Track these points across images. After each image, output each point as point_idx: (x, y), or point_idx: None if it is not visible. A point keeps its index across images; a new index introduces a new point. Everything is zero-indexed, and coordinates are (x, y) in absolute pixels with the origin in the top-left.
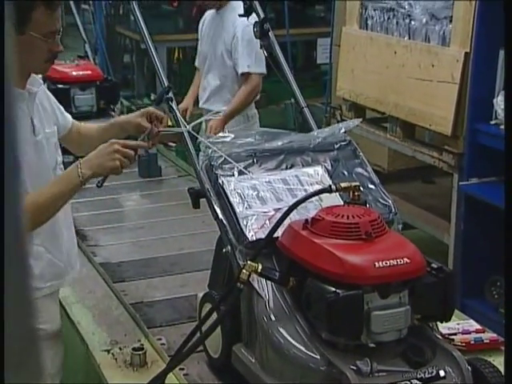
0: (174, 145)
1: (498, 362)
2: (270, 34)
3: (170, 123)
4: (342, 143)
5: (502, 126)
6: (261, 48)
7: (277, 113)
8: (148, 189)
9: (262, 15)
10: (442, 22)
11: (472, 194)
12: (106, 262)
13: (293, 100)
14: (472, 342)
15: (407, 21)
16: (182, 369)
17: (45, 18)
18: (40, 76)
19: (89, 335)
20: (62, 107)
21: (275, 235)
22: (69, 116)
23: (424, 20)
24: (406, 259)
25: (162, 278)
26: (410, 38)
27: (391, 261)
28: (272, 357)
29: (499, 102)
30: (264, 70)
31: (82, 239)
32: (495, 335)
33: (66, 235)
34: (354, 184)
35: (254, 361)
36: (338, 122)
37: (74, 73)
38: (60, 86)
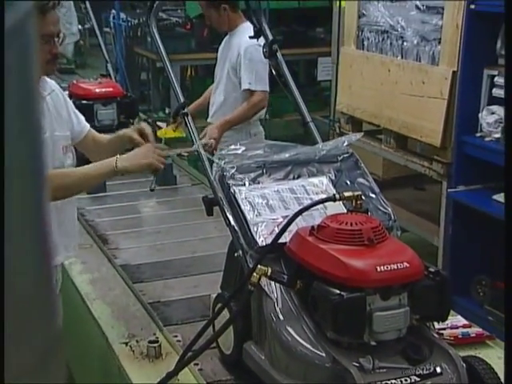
0: (186, 154)
1: (484, 354)
2: (278, 54)
3: (181, 134)
4: (345, 155)
5: (487, 138)
6: (270, 67)
7: (280, 126)
8: (164, 196)
9: (270, 37)
10: (432, 44)
11: (459, 200)
12: (126, 264)
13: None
14: (460, 336)
15: (400, 42)
16: (197, 364)
17: (39, 21)
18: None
19: (108, 328)
20: (80, 115)
21: (283, 241)
22: (86, 124)
23: (415, 41)
24: (405, 263)
25: (177, 279)
26: (402, 58)
27: (392, 265)
28: (280, 354)
29: (484, 116)
30: (266, 88)
31: (104, 243)
32: (481, 330)
33: (69, 214)
34: (356, 193)
35: (263, 358)
36: (338, 134)
37: (97, 90)
38: (84, 101)
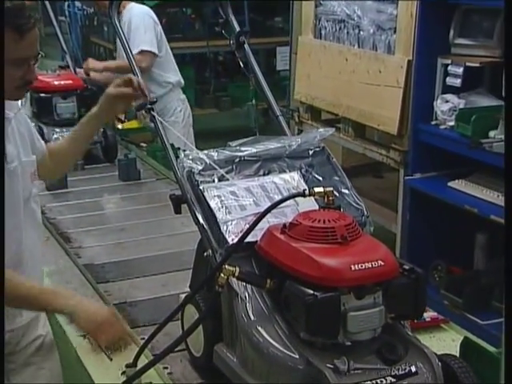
0: (145, 145)
1: (438, 337)
2: (245, 45)
3: (139, 124)
4: (316, 149)
5: (442, 126)
6: (237, 59)
7: (240, 115)
8: (128, 191)
9: (237, 29)
10: (388, 33)
11: (416, 187)
12: (90, 264)
13: (253, 101)
14: (415, 321)
15: (356, 31)
16: (166, 367)
17: (13, 44)
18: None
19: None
20: (37, 134)
21: (254, 239)
22: (43, 143)
23: (371, 30)
24: (380, 261)
25: (144, 278)
26: (359, 47)
27: (366, 264)
28: (252, 356)
29: (438, 104)
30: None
31: (66, 241)
32: (436, 314)
33: (31, 261)
34: (327, 189)
35: (234, 360)
36: (297, 123)
37: (56, 82)
38: (42, 95)
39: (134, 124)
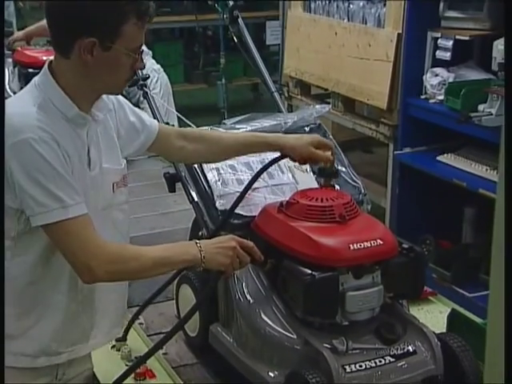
0: None
1: (427, 309)
2: (239, 20)
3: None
4: (313, 126)
5: (431, 100)
6: (230, 34)
7: (230, 91)
8: None
9: (231, 3)
10: (377, 6)
11: (405, 161)
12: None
13: (223, 80)
14: None
15: (346, 4)
16: (161, 348)
17: (135, 31)
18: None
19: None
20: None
21: (250, 214)
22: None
23: (361, 4)
24: (379, 241)
25: None
26: (349, 20)
27: (365, 243)
28: (248, 336)
29: (428, 78)
30: None
31: None
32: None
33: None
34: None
35: (231, 340)
36: (286, 98)
37: (44, 57)
38: (30, 70)
39: None
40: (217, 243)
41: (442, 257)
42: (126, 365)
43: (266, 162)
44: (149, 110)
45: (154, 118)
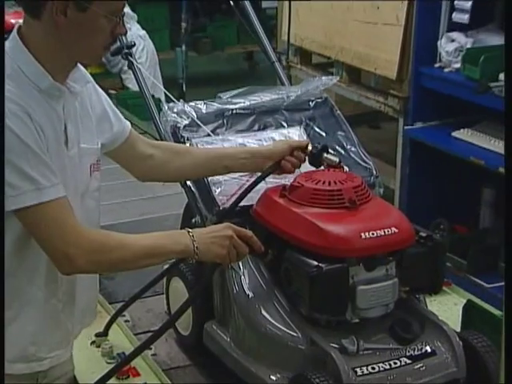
0: (114, 92)
1: (440, 300)
2: None
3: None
4: (318, 100)
5: (446, 69)
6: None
7: (222, 59)
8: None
9: None
10: None
11: (417, 137)
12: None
13: (183, 47)
14: None
15: None
16: (150, 348)
17: None
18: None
19: None
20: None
21: (249, 203)
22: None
23: None
24: (393, 228)
25: None
26: None
27: (378, 231)
28: (248, 335)
29: (443, 44)
30: None
31: None
32: None
33: (87, 284)
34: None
35: (227, 339)
36: (284, 68)
37: (13, 20)
38: None
39: (96, 69)
40: (211, 232)
41: (458, 243)
42: (107, 362)
43: (264, 143)
44: (133, 81)
45: (140, 92)
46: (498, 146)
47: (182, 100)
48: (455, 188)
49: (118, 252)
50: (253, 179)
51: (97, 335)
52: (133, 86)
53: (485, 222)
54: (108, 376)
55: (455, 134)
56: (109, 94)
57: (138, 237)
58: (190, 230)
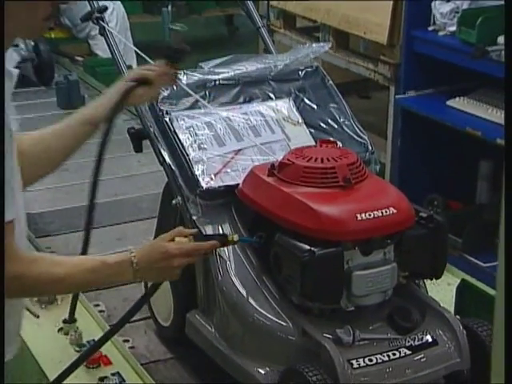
0: (81, 59)
1: (432, 281)
2: None
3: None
4: (309, 69)
5: (441, 33)
6: None
7: (200, 24)
8: None
9: None
10: None
11: (409, 107)
12: (26, 212)
13: (169, 8)
14: None
15: None
16: (127, 340)
17: None
18: None
19: None
20: None
21: (234, 182)
22: None
23: None
24: (392, 209)
25: (95, 230)
26: None
27: (375, 212)
28: (234, 325)
29: (437, 5)
30: None
31: None
32: None
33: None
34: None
35: (212, 330)
36: (271, 33)
37: None
38: None
39: (60, 34)
40: (155, 262)
41: (452, 220)
42: (76, 350)
43: (250, 117)
44: (102, 47)
45: (113, 59)
46: (496, 115)
47: None
48: (450, 161)
49: (52, 286)
50: (238, 156)
51: (64, 321)
52: (102, 52)
53: (481, 197)
54: (75, 365)
55: (450, 102)
56: (76, 61)
57: (78, 268)
58: (135, 255)
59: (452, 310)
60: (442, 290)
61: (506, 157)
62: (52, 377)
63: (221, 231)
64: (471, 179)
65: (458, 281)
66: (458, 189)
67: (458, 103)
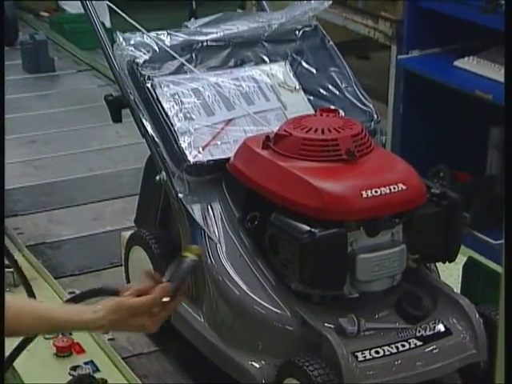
0: (47, 15)
1: None
2: None
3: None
4: (307, 29)
5: None
6: None
7: None
8: (38, 88)
9: None
10: None
11: (412, 68)
12: None
13: None
14: None
15: None
16: (106, 332)
17: None
18: None
19: None
20: None
21: (225, 156)
22: None
23: None
24: (400, 185)
25: (67, 209)
26: None
27: (382, 188)
28: (225, 314)
29: None
30: None
31: None
32: None
33: None
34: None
35: (201, 320)
36: None
37: None
38: None
39: None
40: (124, 322)
41: (460, 193)
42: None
43: (242, 82)
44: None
45: (87, 16)
46: None
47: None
48: (457, 128)
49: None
50: (229, 127)
51: None
52: (70, 7)
53: (492, 167)
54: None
55: (458, 63)
56: (41, 17)
57: (35, 321)
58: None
59: (458, 289)
60: (448, 270)
61: (507, 157)
62: None
63: (210, 211)
64: (481, 148)
65: (465, 259)
66: (467, 159)
67: (466, 63)
